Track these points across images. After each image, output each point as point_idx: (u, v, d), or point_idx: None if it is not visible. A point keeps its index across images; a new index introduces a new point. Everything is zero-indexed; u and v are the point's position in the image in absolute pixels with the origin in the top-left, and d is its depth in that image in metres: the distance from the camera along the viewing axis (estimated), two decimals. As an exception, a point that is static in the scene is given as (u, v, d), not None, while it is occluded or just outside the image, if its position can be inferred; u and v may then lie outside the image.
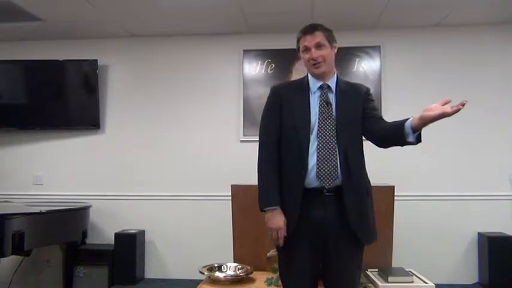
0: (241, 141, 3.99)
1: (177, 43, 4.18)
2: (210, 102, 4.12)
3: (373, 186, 2.97)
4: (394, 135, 1.71)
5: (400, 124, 1.67)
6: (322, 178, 1.76)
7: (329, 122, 1.81)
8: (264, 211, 1.83)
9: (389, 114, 3.79)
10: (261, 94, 3.93)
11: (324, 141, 1.79)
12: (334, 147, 1.78)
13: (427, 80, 3.90)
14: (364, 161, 1.89)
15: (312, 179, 1.78)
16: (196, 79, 4.15)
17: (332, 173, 1.76)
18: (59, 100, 4.17)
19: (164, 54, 4.20)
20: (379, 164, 3.56)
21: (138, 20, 3.84)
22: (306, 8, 3.52)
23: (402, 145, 1.71)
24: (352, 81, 2.08)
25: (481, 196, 3.79)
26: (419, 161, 3.79)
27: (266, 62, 4.07)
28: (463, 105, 1.51)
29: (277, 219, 1.78)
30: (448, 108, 1.54)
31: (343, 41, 3.93)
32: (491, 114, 3.84)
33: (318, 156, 1.78)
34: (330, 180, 1.76)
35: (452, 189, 3.82)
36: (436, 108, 1.56)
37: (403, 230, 3.37)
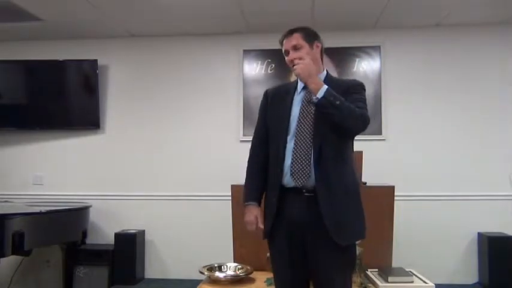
0: (241, 141, 3.98)
1: (177, 43, 4.18)
2: (210, 102, 4.12)
3: (373, 186, 2.99)
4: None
5: None
6: (295, 177, 1.78)
7: (307, 121, 1.81)
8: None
9: (389, 113, 3.84)
10: (261, 94, 3.83)
11: (300, 141, 1.80)
12: (309, 147, 1.78)
13: (427, 80, 3.89)
14: (346, 159, 1.83)
15: (289, 178, 1.80)
16: (196, 79, 4.15)
17: (304, 172, 1.77)
18: (59, 100, 4.17)
19: (164, 54, 4.20)
20: (380, 164, 3.57)
21: (138, 20, 3.84)
22: (306, 8, 3.52)
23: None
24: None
25: (481, 196, 3.78)
26: (420, 161, 3.77)
27: (266, 62, 4.07)
28: None
29: (248, 214, 1.92)
30: None
31: (343, 41, 3.99)
32: (491, 114, 3.83)
33: (292, 156, 1.80)
34: (302, 180, 1.77)
35: (452, 189, 3.82)
36: None
37: (403, 230, 3.36)
